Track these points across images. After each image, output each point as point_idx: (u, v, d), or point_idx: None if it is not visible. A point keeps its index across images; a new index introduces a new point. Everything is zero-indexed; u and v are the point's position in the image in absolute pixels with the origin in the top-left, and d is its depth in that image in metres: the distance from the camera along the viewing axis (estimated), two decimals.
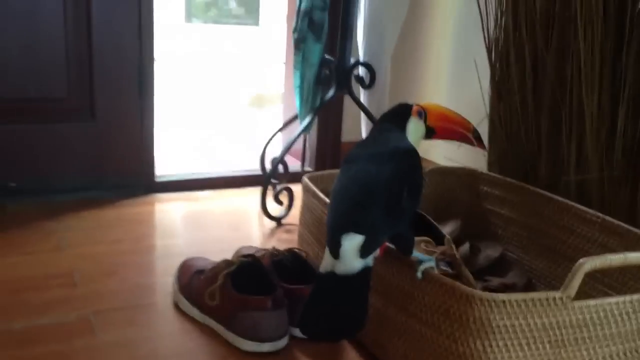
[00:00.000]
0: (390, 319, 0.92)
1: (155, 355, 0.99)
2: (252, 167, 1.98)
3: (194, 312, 1.09)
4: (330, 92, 1.63)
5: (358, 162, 0.85)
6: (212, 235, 1.50)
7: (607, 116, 1.12)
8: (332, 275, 0.78)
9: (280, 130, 1.83)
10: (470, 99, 1.44)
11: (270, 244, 1.37)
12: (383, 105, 1.69)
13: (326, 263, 0.79)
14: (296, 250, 1.13)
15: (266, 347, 1.00)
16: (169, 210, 1.65)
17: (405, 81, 1.82)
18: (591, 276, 1.04)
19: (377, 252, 0.81)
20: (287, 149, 1.61)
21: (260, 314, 0.99)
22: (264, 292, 1.01)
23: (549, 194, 1.20)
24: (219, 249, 1.26)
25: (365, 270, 0.79)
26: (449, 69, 1.69)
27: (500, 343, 0.78)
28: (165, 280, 1.22)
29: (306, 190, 1.20)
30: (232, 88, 3.82)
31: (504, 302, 0.77)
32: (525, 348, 0.79)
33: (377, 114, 1.67)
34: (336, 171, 1.28)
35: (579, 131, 1.17)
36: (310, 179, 1.22)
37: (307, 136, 1.99)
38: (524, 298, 0.78)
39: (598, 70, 1.12)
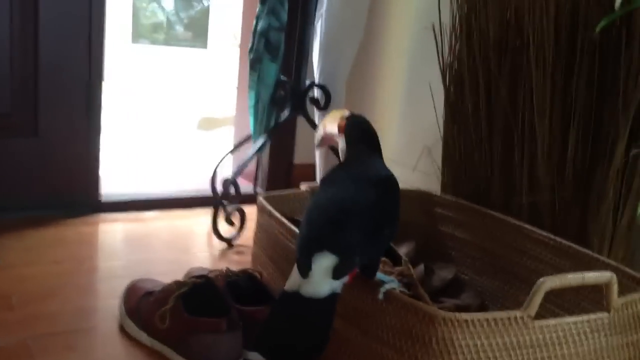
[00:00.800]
0: (350, 342, 0.90)
1: None
2: (200, 187, 1.95)
3: (142, 337, 1.05)
4: (285, 113, 1.61)
5: (337, 184, 0.84)
6: (159, 256, 1.45)
7: (558, 139, 1.15)
8: (297, 295, 0.75)
9: (233, 151, 1.80)
10: (425, 122, 1.45)
11: (221, 266, 1.33)
12: None
13: (293, 281, 0.76)
14: (250, 271, 1.10)
15: None
16: (114, 231, 1.59)
17: (361, 103, 1.82)
18: (545, 297, 1.05)
19: (347, 278, 0.77)
20: (240, 170, 1.58)
21: (214, 337, 0.96)
22: (217, 315, 0.97)
23: (501, 216, 1.22)
24: (166, 271, 1.22)
25: (332, 296, 0.75)
26: (404, 92, 1.70)
27: None
28: (108, 303, 1.16)
29: (261, 210, 1.18)
30: (181, 110, 3.76)
31: (466, 321, 0.76)
32: None
33: None
34: (292, 191, 1.28)
35: (531, 153, 1.19)
36: (266, 199, 1.19)
37: (260, 157, 1.97)
38: (486, 317, 0.77)
39: (549, 94, 1.14)
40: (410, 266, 1.06)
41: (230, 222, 1.54)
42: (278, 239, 1.10)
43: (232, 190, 1.67)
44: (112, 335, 1.06)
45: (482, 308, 1.20)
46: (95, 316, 1.13)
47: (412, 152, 1.50)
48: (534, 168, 1.19)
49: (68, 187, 1.64)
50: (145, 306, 1.05)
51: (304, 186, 1.27)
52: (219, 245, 1.55)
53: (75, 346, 1.02)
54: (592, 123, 1.11)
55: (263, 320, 0.78)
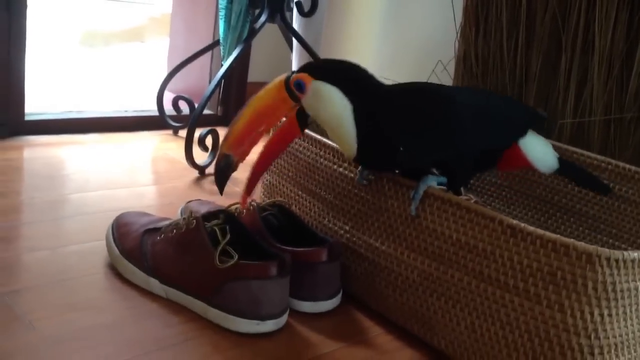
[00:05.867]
0: (448, 286, 0.73)
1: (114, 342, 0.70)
2: (142, 107, 1.66)
3: (152, 284, 0.81)
4: (262, 19, 1.36)
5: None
6: (119, 189, 1.18)
7: (621, 48, 1.01)
8: None
9: (187, 63, 1.52)
10: (438, 29, 1.26)
11: (196, 197, 1.10)
12: (320, 37, 1.45)
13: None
14: (282, 203, 0.89)
15: (269, 325, 0.76)
16: (49, 157, 1.29)
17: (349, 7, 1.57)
18: None
19: None
20: (213, 90, 1.32)
21: (261, 284, 0.75)
22: (257, 258, 0.76)
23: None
24: (135, 206, 0.98)
25: None
26: None
27: (620, 311, 0.63)
28: (83, 246, 0.91)
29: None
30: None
31: (633, 261, 0.62)
32: None
33: (314, 47, 1.43)
34: None
35: (583, 66, 1.05)
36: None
37: (210, 73, 1.71)
38: None
39: None
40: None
41: (204, 147, 1.29)
42: (317, 164, 0.89)
43: (186, 110, 1.45)
44: (101, 285, 0.82)
45: None
46: (68, 263, 0.87)
47: (420, 68, 1.31)
48: (583, 83, 1.05)
49: None
50: (155, 247, 0.82)
51: None
52: (188, 173, 1.30)
53: (60, 300, 0.77)
54: None
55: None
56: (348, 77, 0.74)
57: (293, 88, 0.74)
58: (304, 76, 0.73)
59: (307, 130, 0.86)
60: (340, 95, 0.72)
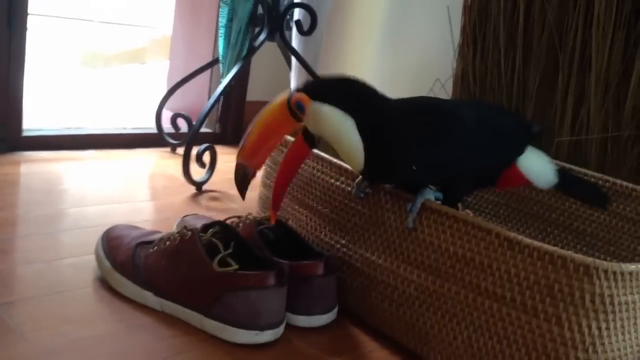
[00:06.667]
0: (445, 299, 0.72)
1: None
2: (140, 125, 1.67)
3: (146, 297, 0.80)
4: (262, 37, 1.37)
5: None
6: (115, 204, 1.17)
7: (618, 65, 1.01)
8: None
9: (186, 81, 1.53)
10: (436, 47, 1.27)
11: (195, 213, 1.10)
12: (318, 56, 1.46)
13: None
14: (279, 217, 0.89)
15: (267, 335, 0.75)
16: (46, 172, 1.29)
17: (348, 26, 1.58)
18: None
19: None
20: (211, 107, 1.32)
21: (260, 294, 0.74)
22: (253, 268, 0.76)
23: None
24: (131, 221, 0.97)
25: None
26: (407, 10, 1.45)
27: (619, 324, 0.62)
28: (76, 260, 0.91)
29: (282, 144, 0.95)
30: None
31: (631, 274, 0.61)
32: (639, 327, 0.64)
33: (313, 65, 1.44)
34: None
35: (580, 85, 1.05)
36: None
37: (209, 92, 1.72)
38: None
39: (614, 9, 0.99)
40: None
41: (201, 163, 1.29)
42: (314, 178, 0.89)
43: (184, 128, 1.45)
44: (92, 299, 0.81)
45: None
46: (62, 276, 0.86)
47: (418, 87, 1.31)
48: (580, 101, 1.06)
49: None
50: (148, 259, 0.81)
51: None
52: (185, 189, 1.30)
53: (53, 312, 0.76)
54: None
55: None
56: (348, 94, 0.74)
57: (294, 108, 0.74)
58: (303, 97, 0.73)
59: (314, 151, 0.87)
60: (340, 113, 0.72)
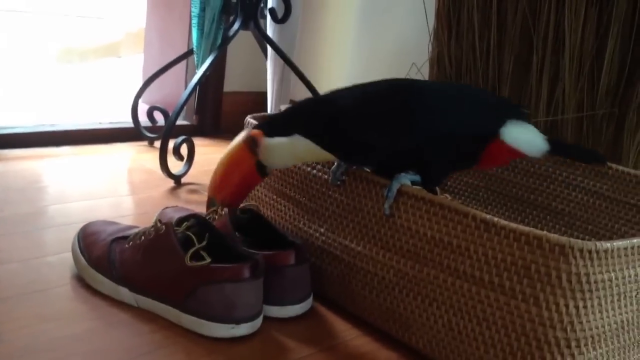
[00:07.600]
0: (424, 284, 0.72)
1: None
2: (117, 119, 1.65)
3: (122, 293, 0.80)
4: (235, 26, 1.36)
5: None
6: (95, 200, 1.16)
7: (591, 47, 1.01)
8: None
9: (161, 73, 1.51)
10: (411, 32, 1.26)
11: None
12: (294, 44, 1.45)
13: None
14: (251, 207, 0.88)
15: (244, 329, 0.74)
16: (22, 170, 1.27)
17: (322, 13, 1.58)
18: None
19: None
20: (187, 98, 1.30)
21: (235, 287, 0.73)
22: (228, 261, 0.75)
23: None
24: (113, 216, 0.96)
25: None
26: None
27: (596, 302, 0.62)
28: (49, 258, 0.89)
29: None
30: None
31: (606, 252, 0.61)
32: (616, 305, 0.64)
33: (289, 53, 1.43)
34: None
35: (555, 65, 1.05)
36: (256, 119, 0.96)
37: (185, 83, 1.70)
38: (626, 246, 0.62)
39: None
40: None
41: (179, 156, 1.28)
42: (299, 170, 0.88)
43: (161, 121, 1.43)
44: (67, 296, 0.80)
45: None
46: (40, 274, 0.85)
47: (395, 71, 1.31)
48: (555, 82, 1.06)
49: None
50: (123, 254, 0.80)
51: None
52: (164, 183, 1.29)
53: (31, 310, 0.75)
54: (634, 27, 0.99)
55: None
56: (293, 118, 0.78)
57: (250, 145, 0.78)
58: (257, 134, 0.77)
59: None
60: (287, 140, 0.76)
